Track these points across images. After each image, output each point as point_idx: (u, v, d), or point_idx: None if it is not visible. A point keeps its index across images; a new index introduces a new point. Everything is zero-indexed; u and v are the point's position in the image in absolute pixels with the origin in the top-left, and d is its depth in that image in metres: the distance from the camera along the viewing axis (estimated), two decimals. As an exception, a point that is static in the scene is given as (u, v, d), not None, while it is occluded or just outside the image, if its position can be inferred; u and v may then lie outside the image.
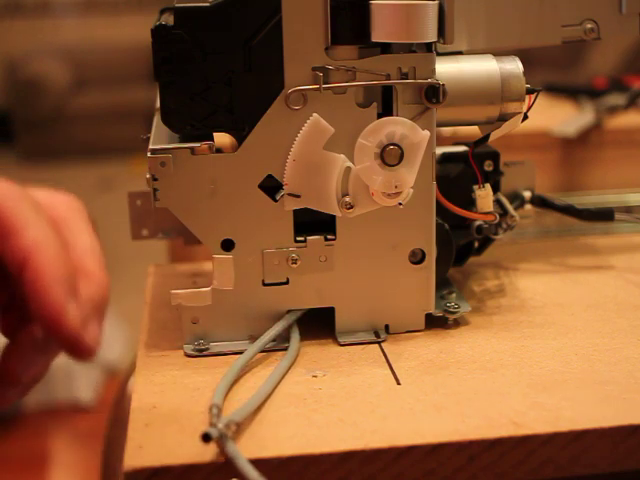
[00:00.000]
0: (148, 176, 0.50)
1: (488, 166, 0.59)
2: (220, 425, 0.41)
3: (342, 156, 0.50)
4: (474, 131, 0.54)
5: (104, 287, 0.38)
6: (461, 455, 0.43)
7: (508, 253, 0.66)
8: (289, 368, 0.50)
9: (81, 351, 0.36)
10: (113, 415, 0.75)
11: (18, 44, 4.01)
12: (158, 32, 0.48)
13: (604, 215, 0.65)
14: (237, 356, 0.50)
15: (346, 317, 0.53)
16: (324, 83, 0.49)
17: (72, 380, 1.74)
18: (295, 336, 0.52)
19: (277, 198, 0.51)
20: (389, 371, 0.49)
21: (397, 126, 0.50)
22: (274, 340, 0.52)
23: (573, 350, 0.51)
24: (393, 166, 0.50)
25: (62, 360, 0.44)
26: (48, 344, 0.39)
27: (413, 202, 0.51)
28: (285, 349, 0.52)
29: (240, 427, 0.43)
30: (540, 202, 0.64)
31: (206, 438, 0.41)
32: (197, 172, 0.50)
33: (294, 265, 0.52)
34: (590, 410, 0.45)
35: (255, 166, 0.50)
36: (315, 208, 0.51)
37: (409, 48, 0.50)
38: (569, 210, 0.65)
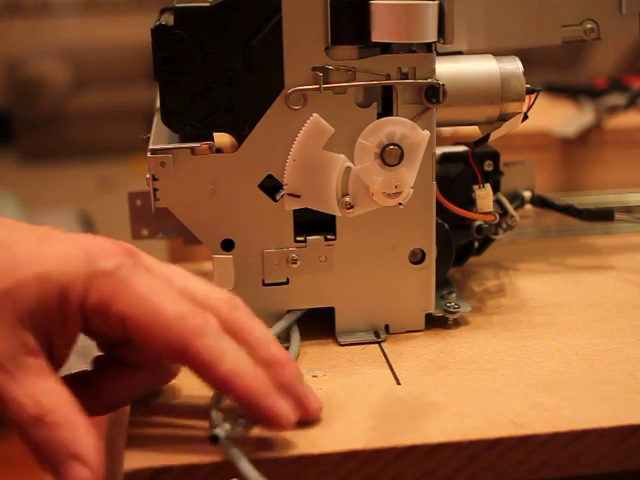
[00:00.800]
0: (148, 176, 0.50)
1: (488, 166, 0.59)
2: (227, 427, 0.41)
3: (342, 156, 0.50)
4: (474, 131, 0.54)
5: (295, 366, 0.43)
6: (461, 455, 0.43)
7: (508, 253, 0.66)
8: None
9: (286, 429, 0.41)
10: (113, 415, 0.75)
11: (18, 44, 4.01)
12: (158, 32, 0.48)
13: (604, 215, 0.65)
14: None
15: (346, 317, 0.53)
16: (324, 83, 0.49)
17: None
18: (295, 336, 0.52)
19: (277, 198, 0.51)
20: (389, 371, 0.49)
21: (397, 126, 0.50)
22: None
23: (573, 350, 0.51)
24: (393, 166, 0.50)
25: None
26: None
27: (413, 202, 0.51)
28: (285, 349, 0.52)
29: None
30: (540, 202, 0.64)
31: (214, 439, 0.41)
32: (197, 172, 0.50)
33: (294, 265, 0.52)
34: (590, 410, 0.44)
35: (255, 166, 0.50)
36: (315, 208, 0.51)
37: (409, 48, 0.50)
38: (569, 210, 0.65)
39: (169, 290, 0.40)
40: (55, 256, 0.40)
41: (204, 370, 0.40)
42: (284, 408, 0.40)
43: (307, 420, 0.43)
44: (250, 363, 0.40)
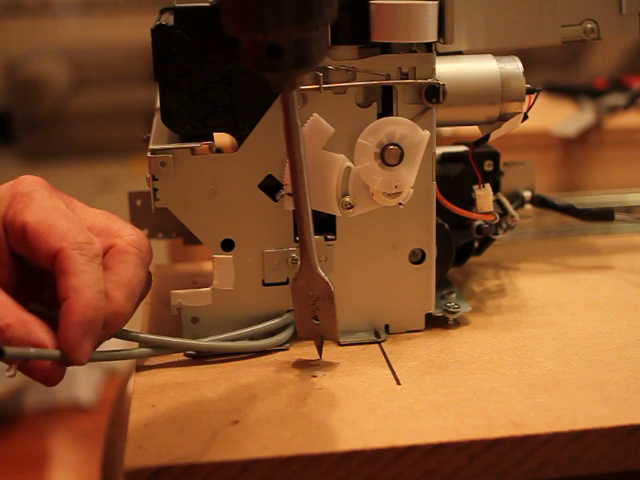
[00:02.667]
0: (148, 176, 0.50)
1: (488, 166, 0.59)
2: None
3: (342, 156, 0.50)
4: (474, 131, 0.55)
5: (121, 317, 0.46)
6: (461, 455, 0.43)
7: (508, 253, 0.66)
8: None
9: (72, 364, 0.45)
10: (113, 415, 0.75)
11: (18, 44, 4.01)
12: (158, 32, 0.48)
13: (604, 215, 0.65)
14: (236, 357, 0.50)
15: (346, 317, 0.53)
16: (324, 83, 0.49)
17: (72, 380, 1.73)
18: (287, 332, 0.52)
19: (277, 198, 0.51)
20: (389, 371, 0.49)
21: (397, 126, 0.50)
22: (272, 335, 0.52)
23: (573, 350, 0.51)
24: (393, 166, 0.50)
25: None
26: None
27: (413, 202, 0.51)
28: (286, 349, 0.52)
29: (240, 424, 0.43)
30: (540, 202, 0.64)
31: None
32: (197, 172, 0.50)
33: (294, 265, 0.52)
34: (590, 410, 0.44)
35: (255, 166, 0.50)
36: (315, 208, 0.51)
37: (409, 48, 0.50)
38: (569, 210, 0.65)
39: (69, 213, 0.47)
40: None
41: (59, 274, 0.44)
42: (84, 351, 0.44)
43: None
44: (97, 295, 0.44)
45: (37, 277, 0.48)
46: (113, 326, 0.46)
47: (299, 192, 0.45)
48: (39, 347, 0.43)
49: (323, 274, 0.48)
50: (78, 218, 0.47)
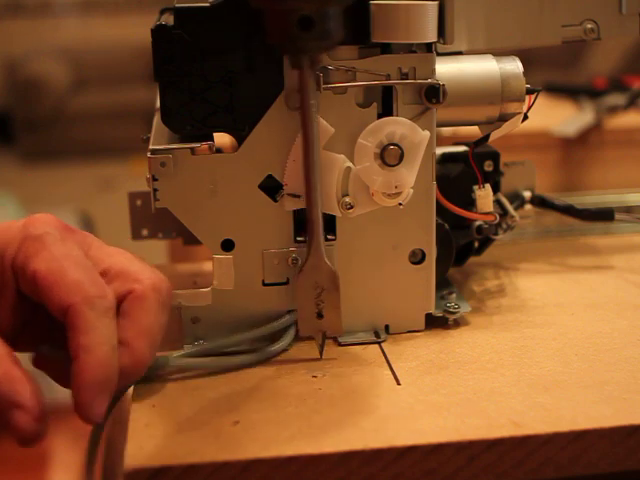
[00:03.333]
0: (148, 176, 0.50)
1: (488, 166, 0.59)
2: None
3: (342, 156, 0.50)
4: (474, 131, 0.55)
5: (141, 366, 0.44)
6: (461, 455, 0.43)
7: (508, 253, 0.66)
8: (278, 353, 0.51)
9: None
10: (113, 415, 0.75)
11: (18, 44, 4.00)
12: (158, 32, 0.48)
13: (604, 215, 0.65)
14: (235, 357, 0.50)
15: (346, 317, 0.53)
16: (324, 83, 0.49)
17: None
18: (290, 334, 0.52)
19: (277, 198, 0.51)
20: (389, 371, 0.49)
21: (397, 126, 0.50)
22: (272, 337, 0.52)
23: (573, 350, 0.51)
24: (393, 166, 0.50)
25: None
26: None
27: (413, 202, 0.51)
28: (285, 349, 0.52)
29: (240, 424, 0.43)
30: (540, 202, 0.64)
31: None
32: (197, 172, 0.50)
33: (294, 265, 0.52)
34: (590, 410, 0.45)
35: (255, 166, 0.50)
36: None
37: (409, 48, 0.50)
38: (569, 210, 0.65)
39: (82, 260, 0.44)
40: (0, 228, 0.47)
41: (71, 332, 0.42)
42: (99, 412, 0.42)
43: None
44: (111, 355, 0.42)
45: (46, 313, 0.46)
46: (134, 375, 0.45)
47: (310, 173, 0.46)
48: (17, 407, 0.41)
49: (330, 263, 0.48)
50: (91, 264, 0.45)
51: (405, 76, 0.50)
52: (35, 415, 0.41)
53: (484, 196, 0.56)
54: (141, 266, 0.46)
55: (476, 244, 0.60)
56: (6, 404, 0.41)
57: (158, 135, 0.52)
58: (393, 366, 0.50)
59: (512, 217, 0.59)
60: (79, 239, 0.46)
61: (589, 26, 0.55)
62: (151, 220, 0.61)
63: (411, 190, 0.51)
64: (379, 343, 0.53)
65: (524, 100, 0.52)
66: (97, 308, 0.42)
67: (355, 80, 0.49)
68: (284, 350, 0.52)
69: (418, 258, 0.53)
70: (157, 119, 0.53)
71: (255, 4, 0.43)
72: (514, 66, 0.52)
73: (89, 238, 0.47)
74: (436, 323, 0.54)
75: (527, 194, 0.63)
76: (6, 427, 0.42)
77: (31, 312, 0.47)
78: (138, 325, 0.44)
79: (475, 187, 0.56)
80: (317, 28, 0.42)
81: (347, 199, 0.50)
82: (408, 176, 0.50)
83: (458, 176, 0.57)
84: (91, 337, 0.42)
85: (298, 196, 0.50)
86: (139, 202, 0.62)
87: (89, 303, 0.42)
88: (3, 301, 0.46)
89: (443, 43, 0.51)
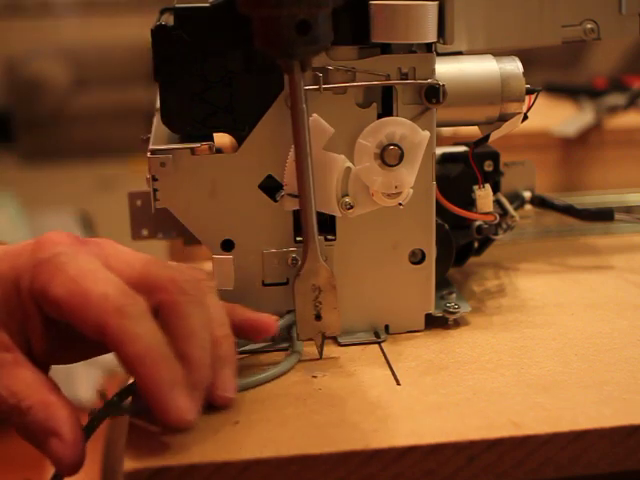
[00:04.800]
0: (148, 176, 0.50)
1: (488, 166, 0.59)
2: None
3: (342, 156, 0.50)
4: (474, 131, 0.55)
5: (202, 369, 0.43)
6: (461, 455, 0.43)
7: (508, 253, 0.66)
8: (294, 364, 0.50)
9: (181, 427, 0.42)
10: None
11: (18, 44, 4.01)
12: (158, 32, 0.48)
13: (604, 215, 0.65)
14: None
15: (346, 317, 0.53)
16: (324, 83, 0.49)
17: (72, 380, 1.74)
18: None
19: (277, 198, 0.51)
20: (389, 371, 0.49)
21: (397, 126, 0.50)
22: (273, 339, 0.52)
23: (573, 350, 0.51)
24: (393, 166, 0.50)
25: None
26: None
27: (413, 202, 0.51)
28: (285, 349, 0.52)
29: (240, 424, 0.43)
30: (540, 202, 0.64)
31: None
32: (197, 172, 0.50)
33: (294, 265, 0.52)
34: (590, 410, 0.44)
35: (255, 166, 0.50)
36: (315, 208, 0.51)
37: (409, 48, 0.50)
38: (569, 210, 0.65)
39: (101, 272, 0.42)
40: (9, 256, 0.44)
41: (116, 349, 0.41)
42: (179, 406, 0.41)
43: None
44: (164, 351, 0.41)
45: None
46: (200, 383, 0.42)
47: (304, 177, 0.46)
48: (53, 435, 0.41)
49: (325, 264, 0.48)
50: (111, 274, 0.42)
51: (405, 76, 0.50)
52: (71, 442, 0.41)
53: (484, 196, 0.56)
54: (158, 270, 0.44)
55: (476, 244, 0.60)
56: (43, 432, 0.41)
57: (158, 135, 0.52)
58: (393, 366, 0.50)
59: (512, 217, 0.59)
60: (94, 250, 0.44)
61: (589, 26, 0.55)
62: (151, 220, 0.61)
63: (411, 190, 0.51)
64: (379, 343, 0.53)
65: (524, 100, 0.52)
66: (132, 315, 0.41)
67: (355, 80, 0.49)
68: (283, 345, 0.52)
69: (418, 258, 0.53)
70: (157, 119, 0.53)
71: (244, 10, 0.43)
72: (514, 66, 0.52)
73: (104, 246, 0.45)
74: (436, 323, 0.54)
75: (527, 194, 0.63)
76: (45, 454, 0.41)
77: (65, 331, 0.44)
78: (183, 333, 0.42)
79: (475, 187, 0.56)
80: (308, 33, 0.42)
81: (347, 199, 0.51)
82: (408, 176, 0.50)
83: (458, 176, 0.57)
84: (137, 346, 0.40)
85: (298, 196, 0.50)
86: (139, 202, 0.62)
87: (122, 314, 0.41)
88: (32, 331, 0.44)
89: (443, 43, 0.51)
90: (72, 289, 0.41)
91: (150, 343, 0.41)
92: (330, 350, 0.52)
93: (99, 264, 0.43)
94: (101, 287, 0.41)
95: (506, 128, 0.53)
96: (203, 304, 0.44)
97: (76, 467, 0.41)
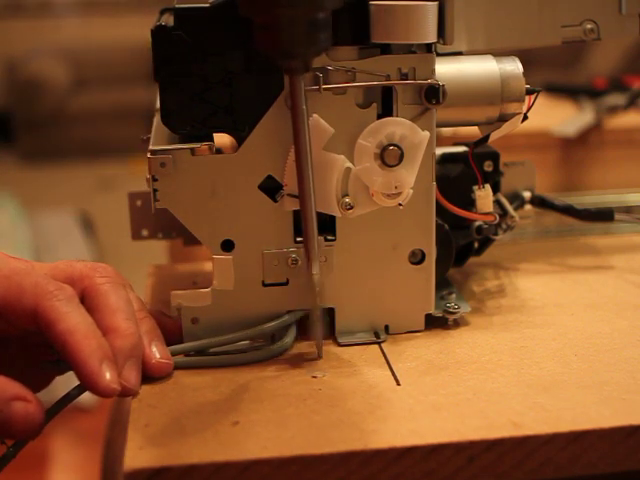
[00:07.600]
0: (148, 177, 0.50)
1: (488, 166, 0.59)
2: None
3: (342, 157, 0.50)
4: (474, 131, 0.55)
5: (131, 337, 0.47)
6: (461, 456, 0.43)
7: (508, 253, 0.66)
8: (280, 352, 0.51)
9: (120, 395, 0.46)
10: (113, 415, 0.75)
11: (18, 44, 4.01)
12: (158, 33, 0.48)
13: (604, 215, 0.65)
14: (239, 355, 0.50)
15: (346, 317, 0.53)
16: (324, 84, 0.49)
17: (72, 380, 1.74)
18: (292, 331, 0.52)
19: (277, 198, 0.51)
20: (389, 372, 0.49)
21: (397, 127, 0.50)
22: (273, 337, 0.52)
23: (573, 350, 0.51)
24: (393, 167, 0.50)
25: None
26: None
27: (413, 202, 0.51)
28: (286, 349, 0.52)
29: (240, 424, 0.43)
30: (540, 202, 0.64)
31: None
32: (197, 173, 0.50)
33: (294, 266, 0.52)
34: (590, 410, 0.45)
35: (255, 166, 0.50)
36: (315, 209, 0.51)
37: (409, 49, 0.50)
38: (569, 210, 0.65)
39: (31, 269, 0.47)
40: None
41: (46, 328, 0.45)
42: (108, 377, 0.44)
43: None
44: (90, 327, 0.45)
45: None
46: (132, 350, 0.46)
47: (304, 178, 0.47)
48: (16, 399, 0.43)
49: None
50: (41, 271, 0.47)
51: (405, 76, 0.50)
52: (36, 402, 0.43)
53: (484, 196, 0.56)
54: (81, 265, 0.49)
55: (476, 244, 0.60)
56: (3, 400, 0.43)
57: (158, 135, 0.52)
58: (393, 366, 0.50)
59: (512, 217, 0.59)
60: (22, 261, 0.48)
61: (589, 26, 0.55)
62: (151, 220, 0.61)
63: (411, 190, 0.51)
64: (379, 343, 0.53)
65: (524, 100, 0.52)
66: (61, 298, 0.45)
67: (355, 81, 0.49)
68: (286, 349, 0.52)
69: (418, 258, 0.53)
70: (157, 119, 0.53)
71: (245, 12, 0.43)
72: (514, 66, 0.52)
73: (29, 262, 0.49)
74: (436, 323, 0.54)
75: (527, 194, 0.63)
76: (8, 423, 0.43)
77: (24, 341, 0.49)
78: (107, 308, 0.47)
79: (475, 187, 0.56)
80: (309, 34, 0.42)
81: (347, 199, 0.51)
82: (408, 176, 0.50)
83: (458, 176, 0.57)
84: (67, 321, 0.44)
85: (298, 196, 0.50)
86: (139, 202, 0.62)
87: (52, 296, 0.45)
88: None
89: (443, 43, 0.51)
90: (7, 285, 0.46)
91: (78, 320, 0.45)
92: (330, 350, 0.52)
93: (30, 264, 0.48)
94: (33, 278, 0.46)
95: (506, 128, 0.53)
96: (124, 286, 0.49)
97: (40, 427, 0.44)
